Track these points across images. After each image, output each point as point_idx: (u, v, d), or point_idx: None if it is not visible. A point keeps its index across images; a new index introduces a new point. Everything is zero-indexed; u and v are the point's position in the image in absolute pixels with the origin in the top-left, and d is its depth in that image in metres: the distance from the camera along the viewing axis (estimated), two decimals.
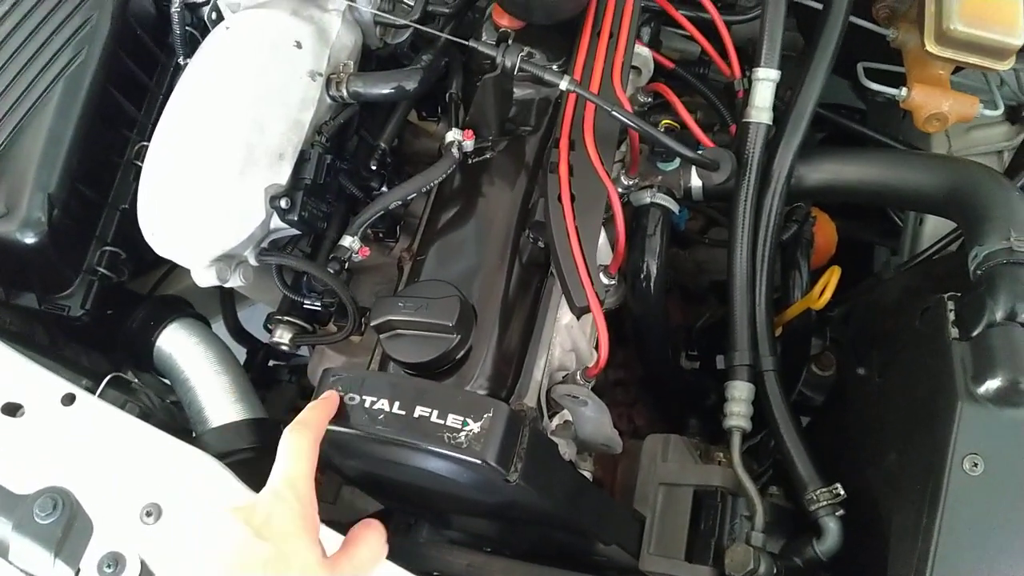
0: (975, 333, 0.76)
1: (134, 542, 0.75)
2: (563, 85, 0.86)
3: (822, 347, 1.17)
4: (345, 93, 0.91)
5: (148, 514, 0.77)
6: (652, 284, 1.03)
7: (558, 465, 0.80)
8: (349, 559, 0.65)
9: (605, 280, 0.89)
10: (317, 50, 0.89)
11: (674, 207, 1.02)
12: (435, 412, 0.73)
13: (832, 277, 0.96)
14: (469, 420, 0.72)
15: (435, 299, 0.79)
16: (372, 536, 0.66)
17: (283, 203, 0.83)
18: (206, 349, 0.99)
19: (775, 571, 0.82)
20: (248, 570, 0.59)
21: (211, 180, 0.83)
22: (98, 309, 0.99)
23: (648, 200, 1.01)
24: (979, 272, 0.79)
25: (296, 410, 1.21)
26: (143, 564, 0.74)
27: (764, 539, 0.84)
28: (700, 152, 0.96)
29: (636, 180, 0.98)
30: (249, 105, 0.85)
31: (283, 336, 0.91)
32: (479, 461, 0.71)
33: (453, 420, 0.73)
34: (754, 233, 0.98)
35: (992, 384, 0.73)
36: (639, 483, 0.96)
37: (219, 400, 0.93)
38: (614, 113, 0.86)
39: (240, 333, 1.25)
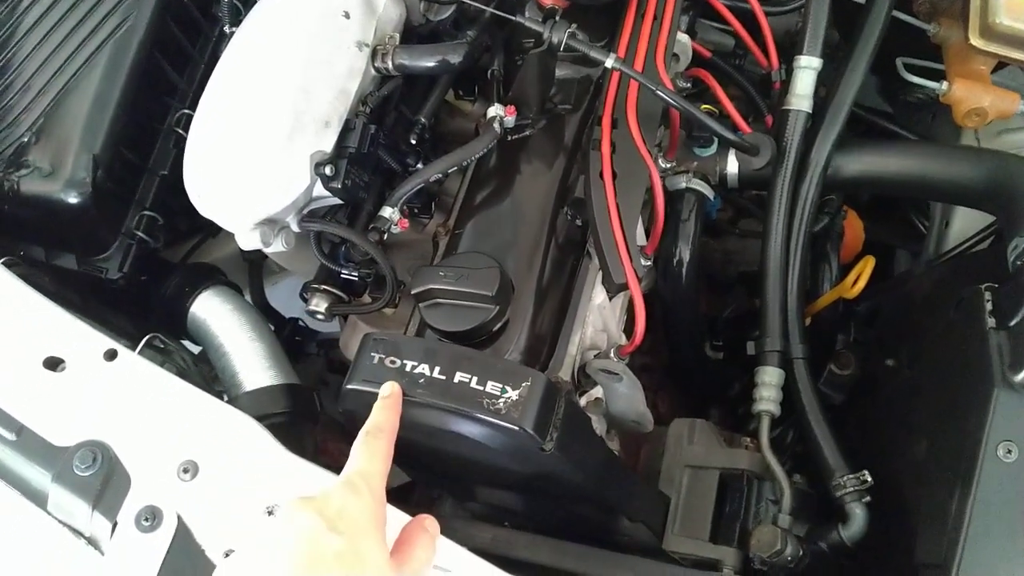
0: (1013, 323, 0.77)
1: (171, 498, 0.76)
2: (609, 63, 0.87)
3: (844, 343, 1.18)
4: (390, 65, 0.91)
5: (185, 471, 0.77)
6: (684, 270, 1.03)
7: (591, 438, 0.81)
8: (409, 561, 0.63)
9: (643, 262, 0.90)
10: (364, 21, 0.90)
11: (709, 193, 1.03)
12: (475, 378, 0.74)
13: (867, 266, 0.97)
14: (508, 387, 0.73)
15: (475, 269, 0.80)
16: (426, 539, 0.65)
17: (328, 170, 0.84)
18: (240, 316, 1.00)
19: (801, 553, 0.83)
20: (321, 562, 0.57)
21: (258, 144, 0.84)
22: (134, 274, 1.01)
23: (684, 185, 1.01)
24: (1019, 263, 0.80)
25: (324, 383, 1.23)
26: (179, 519, 0.75)
27: (791, 522, 0.85)
28: (740, 137, 0.97)
29: (673, 164, 0.99)
30: (297, 72, 0.85)
31: (319, 305, 0.92)
32: (517, 428, 0.72)
33: (492, 387, 0.73)
34: (789, 221, 0.99)
35: None
36: (664, 465, 0.97)
37: (253, 365, 0.94)
38: (659, 92, 0.87)
39: (266, 308, 1.26)
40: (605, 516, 0.91)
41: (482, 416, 0.72)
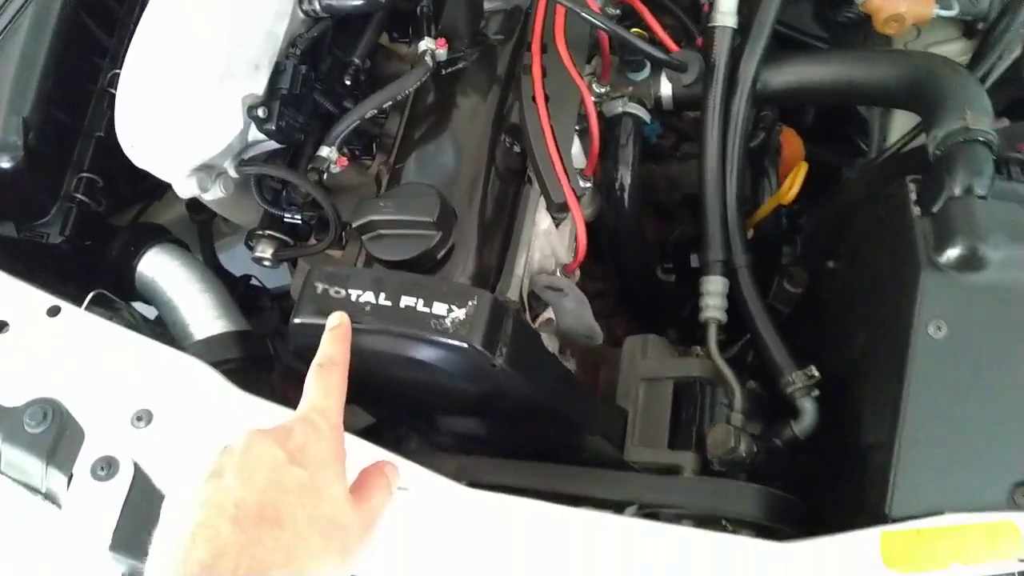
0: (936, 208, 0.77)
1: (126, 446, 0.74)
2: None
3: (793, 258, 1.18)
4: (317, 6, 0.88)
5: (139, 419, 0.75)
6: (627, 194, 1.03)
7: (542, 353, 0.80)
8: (367, 501, 0.61)
9: (582, 183, 0.89)
10: None
11: (646, 116, 1.01)
12: (420, 301, 0.72)
13: (799, 172, 0.96)
14: (454, 307, 0.72)
15: (415, 197, 0.78)
16: (384, 483, 0.63)
17: (260, 112, 0.81)
18: (188, 270, 0.97)
19: (755, 450, 0.83)
20: (283, 493, 0.55)
21: (189, 91, 0.81)
22: (77, 238, 0.97)
23: (620, 109, 1.00)
24: (938, 152, 0.80)
25: (280, 335, 1.21)
26: (136, 466, 0.73)
27: (743, 420, 0.85)
28: (668, 55, 0.96)
29: (608, 89, 0.98)
30: (224, 18, 0.82)
31: (265, 250, 0.90)
32: (466, 345, 0.70)
33: (438, 308, 0.72)
34: (723, 136, 0.98)
35: (952, 252, 0.74)
36: (621, 381, 0.96)
37: (204, 316, 0.92)
38: (584, 14, 0.85)
39: (217, 269, 1.23)
40: (567, 434, 0.90)
41: (431, 337, 0.71)
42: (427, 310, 0.72)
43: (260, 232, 0.89)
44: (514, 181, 0.88)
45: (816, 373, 0.87)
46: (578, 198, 0.85)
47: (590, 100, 0.86)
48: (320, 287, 0.74)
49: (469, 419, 0.87)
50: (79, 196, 0.94)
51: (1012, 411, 0.74)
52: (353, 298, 0.73)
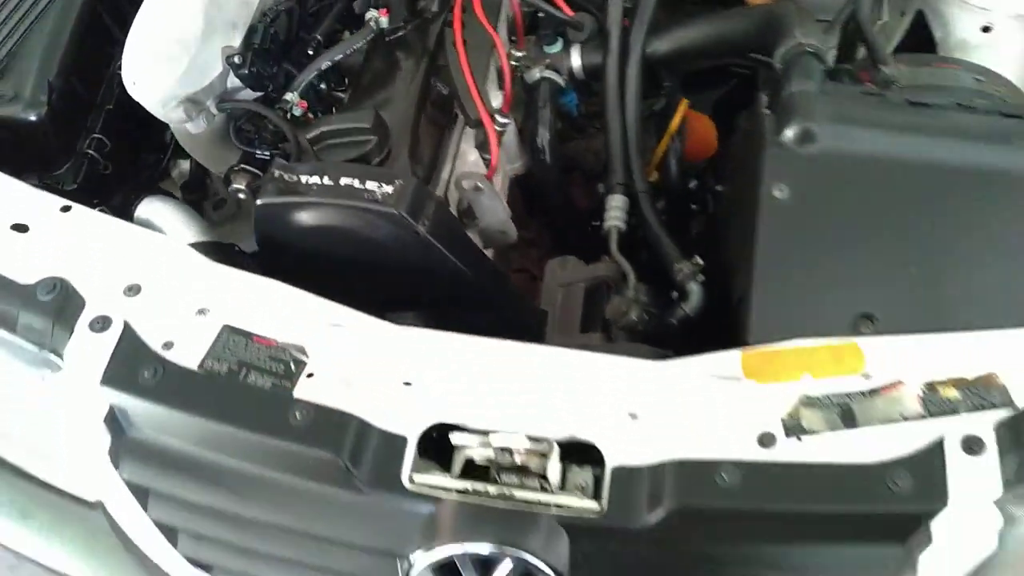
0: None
1: (119, 310, 0.89)
2: None
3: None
4: None
5: (130, 290, 0.90)
6: (547, 149, 1.20)
7: (461, 234, 0.96)
8: None
9: (501, 119, 1.07)
10: None
11: (560, 81, 1.21)
12: (356, 180, 0.89)
13: (681, 107, 1.14)
14: (384, 184, 0.88)
15: (355, 111, 0.96)
16: None
17: (236, 59, 1.01)
18: (181, 211, 1.13)
19: (646, 317, 0.97)
20: None
21: (179, 42, 1.01)
22: (86, 190, 1.15)
23: (538, 76, 1.20)
24: (780, 66, 0.98)
25: None
26: (126, 323, 0.88)
27: (635, 292, 0.99)
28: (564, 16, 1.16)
29: (524, 54, 1.17)
30: None
31: (240, 182, 1.07)
32: (393, 211, 0.86)
33: (371, 184, 0.89)
34: (621, 94, 1.16)
35: (789, 132, 0.91)
36: (544, 292, 1.11)
37: (189, 236, 1.08)
38: None
39: None
40: (496, 328, 1.04)
41: (364, 205, 0.87)
42: (362, 186, 0.88)
43: (237, 167, 1.07)
44: (444, 116, 1.06)
45: (700, 261, 1.02)
46: (500, 133, 1.04)
47: (501, 46, 1.05)
48: (278, 173, 0.91)
49: (405, 303, 1.01)
50: (90, 152, 1.13)
51: (848, 254, 0.89)
52: (303, 181, 0.90)
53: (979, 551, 0.79)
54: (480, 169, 1.06)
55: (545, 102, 1.18)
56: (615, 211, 1.09)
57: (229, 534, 0.89)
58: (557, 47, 1.20)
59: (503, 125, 1.07)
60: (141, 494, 0.89)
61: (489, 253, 1.11)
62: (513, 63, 1.15)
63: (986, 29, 1.28)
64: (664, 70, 1.21)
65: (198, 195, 1.34)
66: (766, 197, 0.89)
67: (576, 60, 1.19)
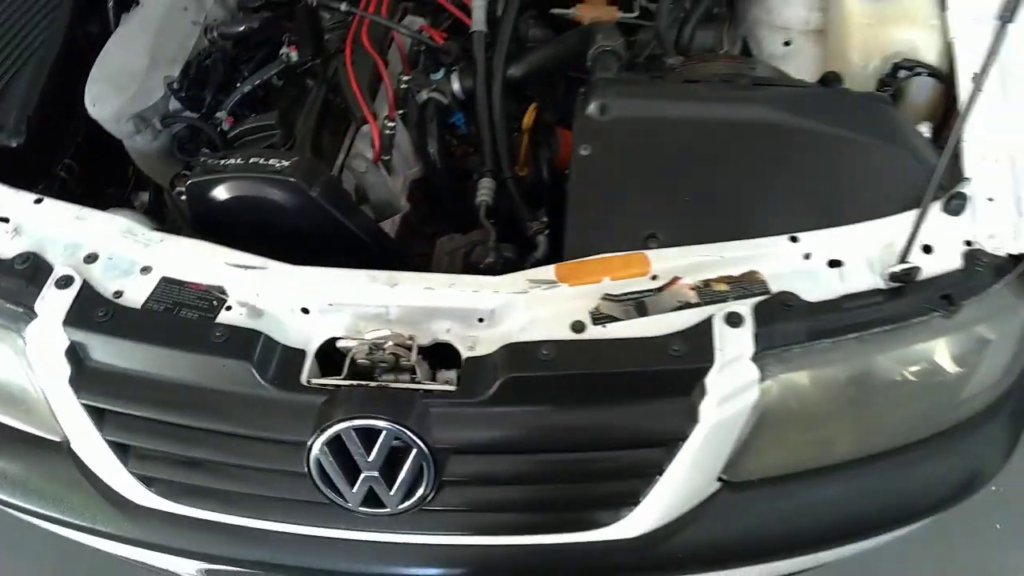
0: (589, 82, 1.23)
1: (79, 273, 1.11)
2: (343, 7, 1.36)
3: None
4: (215, 35, 1.39)
5: (88, 257, 1.13)
6: (436, 157, 1.47)
7: (349, 198, 1.21)
8: None
9: (388, 123, 1.35)
10: (196, 9, 1.39)
11: (444, 100, 1.48)
12: (262, 159, 1.14)
13: (530, 110, 1.42)
14: (283, 161, 1.14)
15: (264, 114, 1.23)
16: None
17: (174, 85, 1.28)
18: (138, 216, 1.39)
19: (502, 260, 1.21)
20: None
21: (129, 73, 1.28)
22: None
23: (425, 96, 1.47)
24: (590, 64, 1.27)
25: None
26: (84, 281, 1.09)
27: (496, 244, 1.24)
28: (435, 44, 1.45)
29: (411, 78, 1.45)
30: (152, 33, 1.33)
31: (182, 186, 1.32)
32: (290, 179, 1.11)
33: (272, 161, 1.14)
34: (490, 109, 1.44)
35: (592, 106, 1.17)
36: (433, 262, 1.34)
37: None
38: (375, 18, 1.36)
39: None
40: None
41: (266, 175, 1.12)
42: (266, 163, 1.14)
43: (180, 173, 1.33)
44: (340, 121, 1.34)
45: (546, 218, 1.27)
46: (390, 135, 1.31)
47: (382, 67, 1.33)
48: (203, 160, 1.16)
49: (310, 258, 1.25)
50: (62, 174, 1.38)
51: (637, 191, 1.14)
52: (222, 163, 1.15)
53: (744, 399, 1.02)
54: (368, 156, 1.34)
55: (432, 118, 1.45)
56: (484, 190, 1.34)
57: (169, 445, 1.09)
58: (440, 74, 1.48)
59: (391, 128, 1.34)
60: (97, 417, 1.10)
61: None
62: (403, 86, 1.44)
63: (787, 43, 1.59)
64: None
65: (155, 220, 1.60)
66: (576, 155, 1.15)
67: (456, 84, 1.47)
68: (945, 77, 1.32)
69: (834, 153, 1.16)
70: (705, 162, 1.14)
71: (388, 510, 1.04)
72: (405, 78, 1.43)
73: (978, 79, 1.03)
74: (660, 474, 1.04)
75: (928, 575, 1.84)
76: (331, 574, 1.14)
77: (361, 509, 1.05)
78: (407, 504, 1.04)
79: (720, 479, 1.10)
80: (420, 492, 1.03)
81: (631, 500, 1.07)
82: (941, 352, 1.08)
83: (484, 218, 1.29)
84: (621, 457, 1.05)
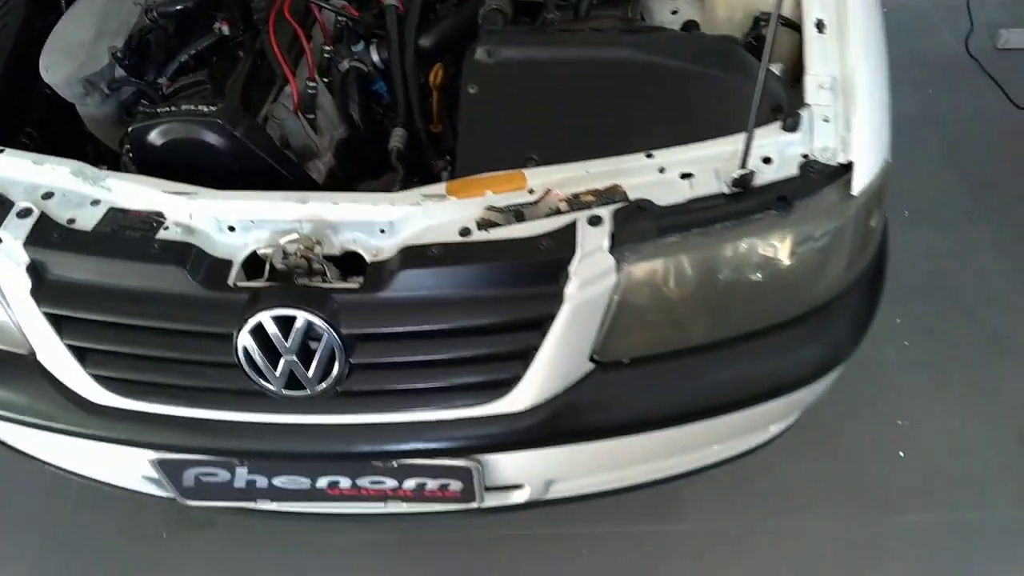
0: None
1: (38, 206, 1.30)
2: None
3: None
4: (154, 14, 1.60)
5: (46, 195, 1.31)
6: (357, 120, 1.68)
7: (273, 143, 1.41)
8: None
9: (310, 84, 1.56)
10: None
11: (364, 68, 1.70)
12: (193, 105, 1.34)
13: (435, 68, 1.64)
14: (212, 107, 1.34)
15: (196, 72, 1.44)
16: None
17: (118, 53, 1.49)
18: None
19: None
20: None
21: (78, 43, 1.49)
22: None
23: (347, 65, 1.69)
24: (481, 21, 1.49)
25: None
26: (42, 212, 1.28)
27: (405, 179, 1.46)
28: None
29: (332, 48, 1.66)
30: (99, 13, 1.53)
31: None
32: (217, 120, 1.31)
33: (201, 107, 1.34)
34: (403, 75, 1.66)
35: (479, 52, 1.39)
36: None
37: None
38: None
39: None
40: None
41: (196, 119, 1.32)
42: (197, 108, 1.34)
43: (126, 132, 1.52)
44: (267, 83, 1.55)
45: (449, 158, 1.48)
46: (313, 94, 1.53)
47: (301, 32, 1.55)
48: (143, 108, 1.36)
49: None
50: (24, 141, 1.57)
51: (517, 121, 1.36)
52: (159, 111, 1.35)
53: (603, 284, 1.22)
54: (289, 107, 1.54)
55: (352, 84, 1.66)
56: (396, 138, 1.55)
57: (120, 345, 1.28)
58: (360, 46, 1.69)
59: (312, 87, 1.55)
60: (56, 324, 1.28)
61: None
62: (325, 55, 1.65)
63: (674, 12, 1.83)
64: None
65: None
66: (465, 93, 1.37)
67: (375, 55, 1.69)
68: (797, 26, 1.55)
69: (687, 84, 1.38)
70: (575, 95, 1.36)
71: (308, 392, 1.23)
72: (327, 48, 1.65)
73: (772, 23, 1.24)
74: (537, 350, 1.24)
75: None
76: (265, 454, 1.32)
77: (285, 392, 1.24)
78: (324, 386, 1.23)
79: (593, 360, 1.29)
80: (335, 373, 1.22)
81: (515, 377, 1.26)
82: (779, 245, 1.29)
83: (396, 160, 1.50)
84: (502, 338, 1.24)
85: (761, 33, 1.56)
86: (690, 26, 1.53)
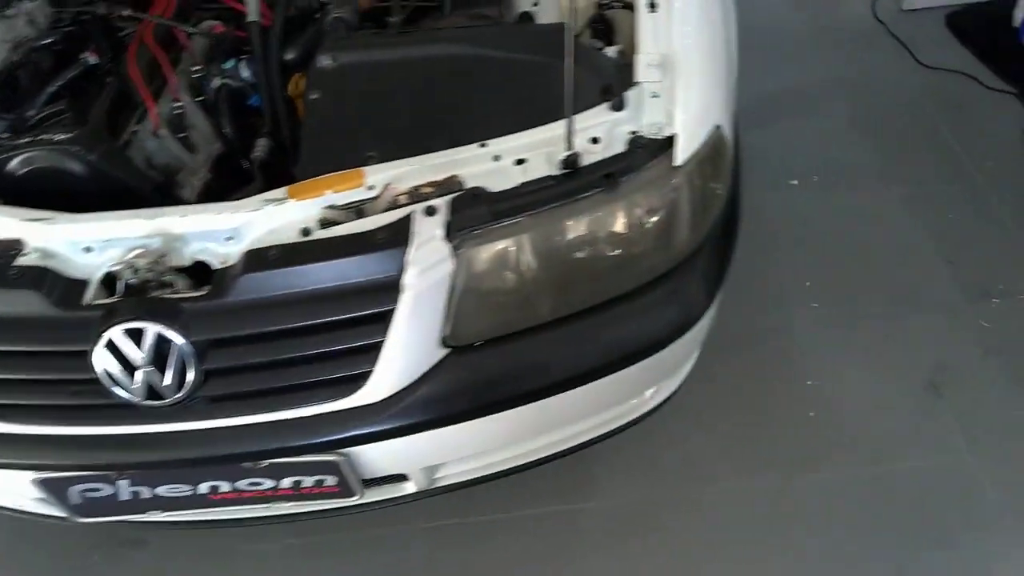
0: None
1: None
2: (125, 12, 1.65)
3: None
4: (25, 49, 1.68)
5: None
6: (231, 133, 1.75)
7: (132, 164, 1.48)
8: None
9: (175, 104, 1.63)
10: (5, 29, 1.67)
11: (235, 85, 1.77)
12: (49, 135, 1.42)
13: (292, 79, 1.71)
14: (68, 134, 1.42)
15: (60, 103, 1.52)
16: None
17: None
18: None
19: None
20: None
21: None
22: None
23: (218, 83, 1.77)
24: (326, 29, 1.57)
25: None
26: None
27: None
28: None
29: (201, 68, 1.74)
30: None
31: None
32: (71, 147, 1.39)
33: (60, 135, 1.42)
34: (270, 85, 1.73)
35: (320, 59, 1.48)
36: None
37: None
38: (150, 18, 1.65)
39: None
40: None
41: (51, 147, 1.39)
42: (52, 137, 1.41)
43: None
44: (133, 103, 1.62)
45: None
46: (180, 118, 1.60)
47: (161, 56, 1.62)
48: (2, 140, 1.44)
49: None
50: None
51: (357, 122, 1.43)
52: (20, 142, 1.42)
53: (440, 270, 1.29)
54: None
55: (224, 101, 1.74)
56: (259, 148, 1.62)
57: None
58: (231, 63, 1.77)
59: (179, 107, 1.63)
60: None
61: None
62: (195, 75, 1.73)
63: (536, 3, 1.90)
64: None
65: None
66: (307, 99, 1.44)
67: (245, 72, 1.77)
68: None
69: (519, 73, 1.45)
70: (413, 93, 1.44)
71: (167, 400, 1.30)
72: (195, 68, 1.72)
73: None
74: (384, 341, 1.31)
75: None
76: (137, 465, 1.39)
77: (147, 403, 1.31)
78: (181, 394, 1.30)
79: (447, 345, 1.36)
80: (190, 381, 1.29)
81: (367, 369, 1.33)
82: (610, 219, 1.36)
83: (256, 170, 1.57)
84: (350, 332, 1.31)
85: (604, 17, 1.63)
86: (524, 17, 1.60)
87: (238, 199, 1.55)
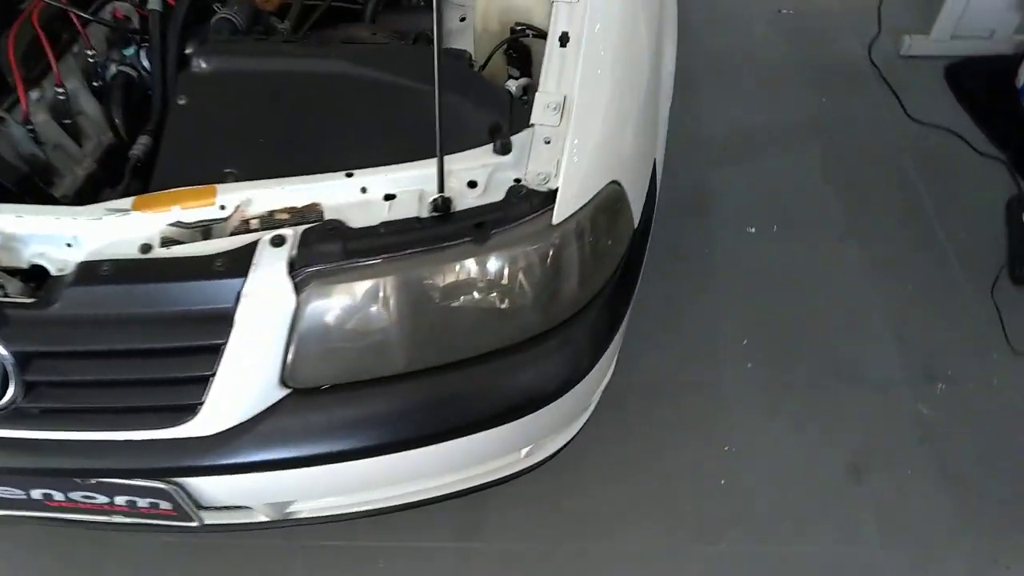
0: None
1: None
2: None
3: None
4: None
5: None
6: (120, 123, 1.68)
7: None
8: None
9: (59, 90, 1.57)
10: None
11: (132, 73, 1.70)
12: None
13: None
14: None
15: None
16: None
17: None
18: None
19: None
20: None
21: None
22: None
23: (114, 70, 1.70)
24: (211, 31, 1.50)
25: None
26: None
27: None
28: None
29: (95, 53, 1.67)
30: None
31: None
32: None
33: None
34: (163, 76, 1.65)
35: (195, 63, 1.40)
36: None
37: None
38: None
39: None
40: None
41: None
42: None
43: None
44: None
45: None
46: (64, 104, 1.53)
47: (45, 41, 1.55)
48: None
49: None
50: None
51: (220, 133, 1.36)
52: None
53: (280, 308, 1.21)
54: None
55: (119, 89, 1.67)
56: (139, 145, 1.55)
57: None
58: (131, 50, 1.70)
59: (63, 93, 1.56)
60: None
61: None
62: (90, 60, 1.66)
63: (462, 19, 1.81)
64: None
65: None
66: (173, 104, 1.37)
67: (145, 60, 1.70)
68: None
69: (404, 100, 1.37)
70: (288, 109, 1.36)
71: None
72: (90, 52, 1.65)
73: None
74: (213, 376, 1.24)
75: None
76: None
77: None
78: (2, 402, 1.24)
79: (287, 386, 1.29)
80: (10, 391, 1.23)
81: (196, 400, 1.26)
82: (476, 271, 1.28)
83: (129, 170, 1.50)
84: (180, 361, 1.24)
85: (519, 42, 1.54)
86: (420, 38, 1.52)
87: (110, 198, 1.48)
